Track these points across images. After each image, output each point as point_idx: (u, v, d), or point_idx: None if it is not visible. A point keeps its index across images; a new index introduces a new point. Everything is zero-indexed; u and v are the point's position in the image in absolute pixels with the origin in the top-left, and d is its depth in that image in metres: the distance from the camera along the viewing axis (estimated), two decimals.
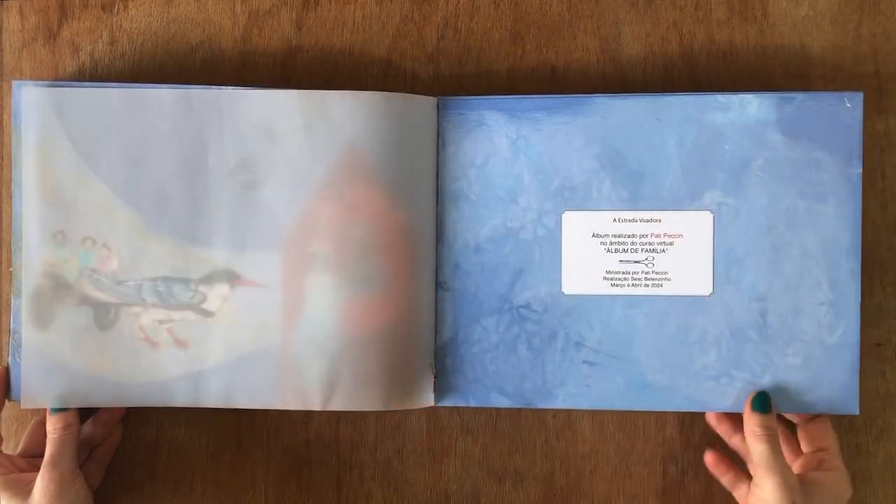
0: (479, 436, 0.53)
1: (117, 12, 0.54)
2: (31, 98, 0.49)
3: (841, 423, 0.52)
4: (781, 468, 0.45)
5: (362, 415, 0.53)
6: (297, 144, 0.49)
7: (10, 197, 0.54)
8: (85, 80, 0.53)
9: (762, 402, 0.47)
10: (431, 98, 0.50)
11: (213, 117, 0.49)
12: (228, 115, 0.49)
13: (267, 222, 0.49)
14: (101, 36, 0.54)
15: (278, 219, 0.49)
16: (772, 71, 0.53)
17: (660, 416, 0.53)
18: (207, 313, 0.49)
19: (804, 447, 0.49)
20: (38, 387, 0.49)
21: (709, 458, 0.51)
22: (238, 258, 0.49)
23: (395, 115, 0.49)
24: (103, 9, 0.54)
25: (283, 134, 0.49)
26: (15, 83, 0.49)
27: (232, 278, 0.49)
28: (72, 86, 0.49)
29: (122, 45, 0.54)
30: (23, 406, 0.49)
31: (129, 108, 0.49)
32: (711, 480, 0.52)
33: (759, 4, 0.53)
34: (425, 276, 0.50)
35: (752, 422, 0.47)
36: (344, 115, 0.48)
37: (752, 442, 0.46)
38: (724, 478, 0.50)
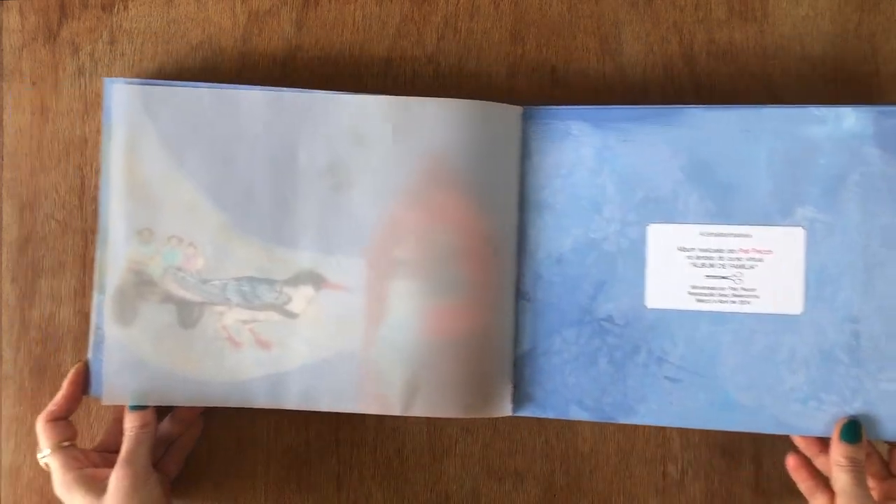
0: (479, 436, 0.53)
1: (117, 12, 0.54)
2: (121, 95, 0.49)
3: None
4: (863, 501, 0.44)
5: (362, 415, 0.53)
6: (385, 150, 0.49)
7: (10, 197, 0.54)
8: (84, 79, 0.54)
9: (852, 431, 0.46)
10: (517, 107, 0.50)
11: (305, 120, 0.49)
12: (321, 119, 0.49)
13: (353, 226, 0.49)
14: (101, 36, 0.54)
15: (364, 223, 0.49)
16: (772, 71, 0.53)
17: None
18: (291, 315, 0.49)
19: (894, 470, 0.48)
20: (120, 383, 0.48)
21: (790, 461, 0.49)
22: (324, 261, 0.49)
23: (481, 123, 0.49)
24: (103, 9, 0.54)
25: (371, 139, 0.49)
26: (107, 80, 0.49)
27: (318, 281, 0.49)
28: (163, 84, 0.49)
29: (122, 45, 0.54)
30: (104, 403, 0.49)
31: (220, 108, 0.49)
32: (711, 480, 0.52)
33: (759, 4, 0.53)
34: (507, 285, 0.49)
35: (838, 451, 0.45)
36: (431, 121, 0.48)
37: (837, 471, 0.45)
38: (803, 485, 0.48)
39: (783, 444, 0.52)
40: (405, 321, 0.48)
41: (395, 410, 0.48)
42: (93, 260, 0.53)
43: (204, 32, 0.54)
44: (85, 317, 0.53)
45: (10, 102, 0.54)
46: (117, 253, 0.49)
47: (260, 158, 0.49)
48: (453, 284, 0.48)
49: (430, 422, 0.53)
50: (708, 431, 0.52)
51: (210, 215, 0.49)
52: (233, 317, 0.49)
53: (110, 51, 0.54)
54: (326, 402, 0.49)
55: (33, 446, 0.53)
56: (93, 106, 0.54)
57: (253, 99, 0.49)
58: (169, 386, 0.49)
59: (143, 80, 0.49)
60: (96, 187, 0.53)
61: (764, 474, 0.52)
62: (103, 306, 0.49)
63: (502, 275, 0.49)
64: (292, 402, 0.49)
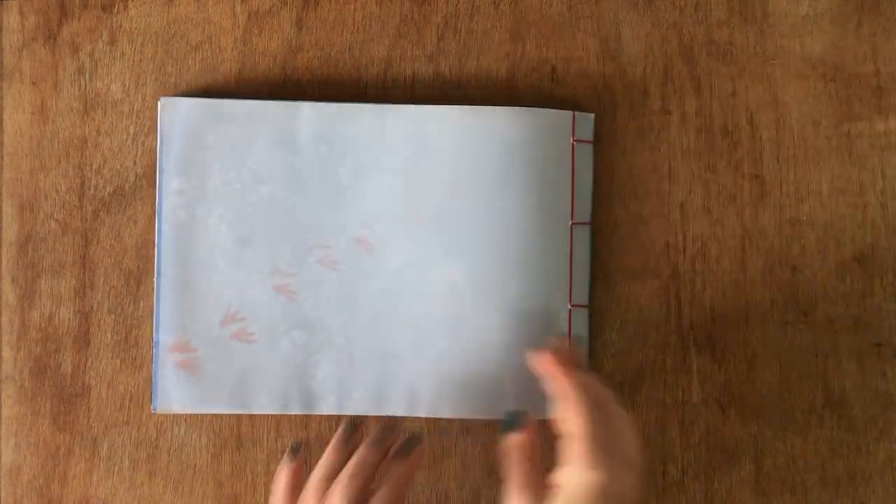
0: (479, 436, 0.53)
1: (117, 12, 0.54)
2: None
3: (841, 423, 0.52)
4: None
5: (362, 416, 0.53)
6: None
7: (9, 197, 0.54)
8: (84, 79, 0.54)
9: (510, 421, 0.45)
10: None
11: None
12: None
13: None
14: (101, 36, 0.54)
15: None
16: (772, 71, 0.53)
17: (660, 416, 0.52)
18: None
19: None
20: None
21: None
22: None
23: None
24: (103, 9, 0.54)
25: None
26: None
27: None
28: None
29: (122, 45, 0.54)
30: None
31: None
32: (711, 480, 0.52)
33: (759, 4, 0.53)
34: None
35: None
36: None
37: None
38: None
39: (783, 444, 0.52)
40: None
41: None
42: (92, 259, 0.53)
43: (204, 32, 0.54)
44: (85, 317, 0.53)
45: (10, 102, 0.54)
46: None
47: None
48: None
49: (430, 422, 0.53)
50: (708, 431, 0.52)
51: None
52: None
53: (110, 51, 0.54)
54: None
55: (33, 446, 0.53)
56: (92, 106, 0.54)
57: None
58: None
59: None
60: (96, 187, 0.53)
61: (764, 474, 0.52)
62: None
63: None
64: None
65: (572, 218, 0.51)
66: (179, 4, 0.54)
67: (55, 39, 0.54)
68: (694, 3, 0.53)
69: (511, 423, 0.46)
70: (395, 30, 0.54)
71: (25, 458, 0.53)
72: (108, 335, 0.53)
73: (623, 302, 0.53)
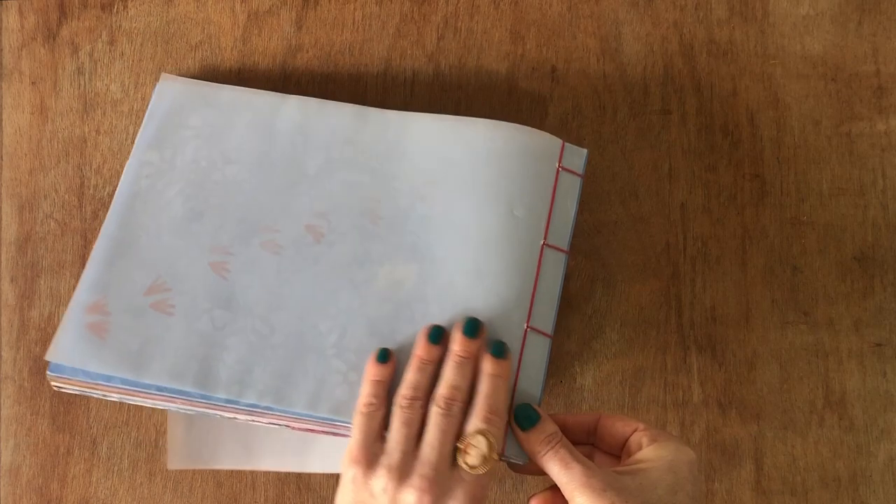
0: None
1: (117, 12, 0.54)
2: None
3: (841, 423, 0.52)
4: (582, 477, 0.38)
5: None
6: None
7: (9, 197, 0.54)
8: (83, 79, 0.54)
9: (524, 412, 0.42)
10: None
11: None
12: None
13: None
14: (101, 36, 0.54)
15: None
16: (772, 70, 0.53)
17: (660, 416, 0.52)
18: None
19: (618, 441, 0.43)
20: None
21: (534, 501, 0.43)
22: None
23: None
24: (103, 8, 0.54)
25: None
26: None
27: None
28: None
29: (122, 45, 0.54)
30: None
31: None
32: (711, 480, 0.52)
33: (759, 4, 0.53)
34: None
35: (531, 440, 0.41)
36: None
37: (543, 464, 0.40)
38: None
39: (783, 444, 0.52)
40: None
41: None
42: None
43: (204, 32, 0.54)
44: None
45: (10, 102, 0.54)
46: None
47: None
48: None
49: None
50: (708, 431, 0.52)
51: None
52: None
53: (110, 51, 0.54)
54: None
55: (33, 446, 0.53)
56: (92, 105, 0.54)
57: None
58: None
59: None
60: (96, 187, 0.53)
61: (764, 474, 0.52)
62: None
63: None
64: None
65: (545, 239, 0.47)
66: (179, 4, 0.54)
67: (54, 39, 0.54)
68: (694, 2, 0.53)
69: (529, 419, 0.42)
70: (395, 30, 0.54)
71: (25, 458, 0.53)
72: None
73: (623, 302, 0.53)
